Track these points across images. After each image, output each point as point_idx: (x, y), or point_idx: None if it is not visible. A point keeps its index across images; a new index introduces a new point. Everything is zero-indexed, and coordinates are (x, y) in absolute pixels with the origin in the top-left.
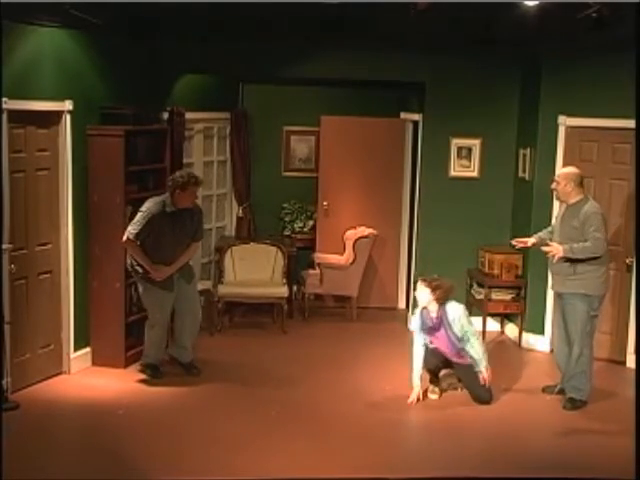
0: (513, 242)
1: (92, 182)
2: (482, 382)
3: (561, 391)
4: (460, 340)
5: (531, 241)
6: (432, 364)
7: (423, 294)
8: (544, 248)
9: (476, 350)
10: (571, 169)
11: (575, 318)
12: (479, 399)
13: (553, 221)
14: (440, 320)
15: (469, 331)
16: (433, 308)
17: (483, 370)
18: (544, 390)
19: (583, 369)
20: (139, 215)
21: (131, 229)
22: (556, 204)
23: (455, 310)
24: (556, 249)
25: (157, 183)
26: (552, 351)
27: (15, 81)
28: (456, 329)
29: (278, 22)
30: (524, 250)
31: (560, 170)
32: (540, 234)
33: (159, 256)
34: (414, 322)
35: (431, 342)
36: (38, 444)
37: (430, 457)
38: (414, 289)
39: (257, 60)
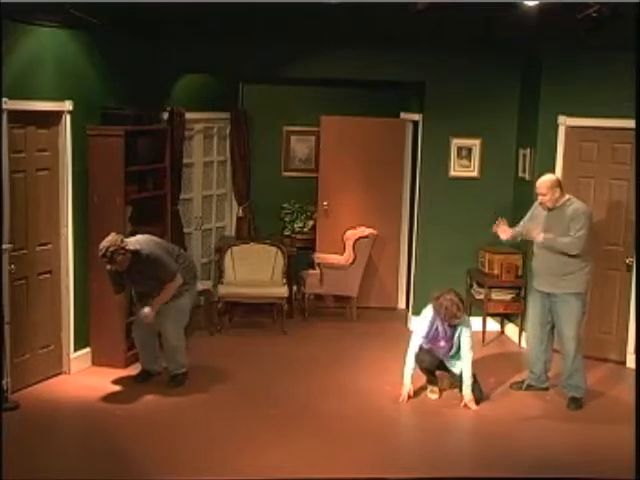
0: (496, 224)
1: (92, 182)
2: (462, 405)
3: (529, 387)
4: (454, 354)
5: (509, 232)
6: (427, 362)
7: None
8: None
9: (466, 372)
10: (550, 177)
11: (571, 317)
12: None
13: (522, 222)
14: (451, 331)
15: (466, 348)
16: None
17: (467, 395)
18: (511, 386)
19: (578, 367)
20: None
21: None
22: None
23: (466, 324)
24: (537, 233)
25: (157, 183)
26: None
27: (15, 81)
28: (457, 340)
29: (278, 22)
30: (524, 250)
31: (539, 182)
32: (513, 233)
33: (142, 293)
34: (419, 327)
35: (432, 347)
36: (38, 444)
37: (430, 457)
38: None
39: (257, 60)
